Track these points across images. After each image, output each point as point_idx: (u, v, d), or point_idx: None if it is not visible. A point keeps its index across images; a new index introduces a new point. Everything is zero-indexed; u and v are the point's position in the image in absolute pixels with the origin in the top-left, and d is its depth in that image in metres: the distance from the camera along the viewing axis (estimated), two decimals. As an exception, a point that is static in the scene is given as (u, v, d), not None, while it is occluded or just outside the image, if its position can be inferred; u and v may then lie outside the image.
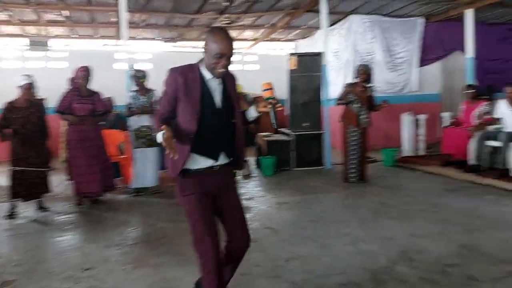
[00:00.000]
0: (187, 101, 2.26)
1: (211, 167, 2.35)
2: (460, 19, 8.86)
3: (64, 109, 5.15)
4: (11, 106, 4.87)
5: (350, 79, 7.57)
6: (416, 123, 8.08)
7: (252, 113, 2.54)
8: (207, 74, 2.30)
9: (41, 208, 5.14)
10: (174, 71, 2.31)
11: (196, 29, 9.51)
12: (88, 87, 5.31)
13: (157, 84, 6.38)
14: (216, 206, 2.39)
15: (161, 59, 10.19)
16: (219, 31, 2.27)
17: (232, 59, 2.27)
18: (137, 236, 4.28)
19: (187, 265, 3.39)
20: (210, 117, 2.30)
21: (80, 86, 5.23)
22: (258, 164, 7.36)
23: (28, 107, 4.91)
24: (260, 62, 11.31)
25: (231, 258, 2.47)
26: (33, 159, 4.88)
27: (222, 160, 2.37)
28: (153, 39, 10.45)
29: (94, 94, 5.36)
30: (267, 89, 2.58)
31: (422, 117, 7.99)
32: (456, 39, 9.57)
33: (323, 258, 3.51)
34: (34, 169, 4.89)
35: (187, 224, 4.45)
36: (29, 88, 4.89)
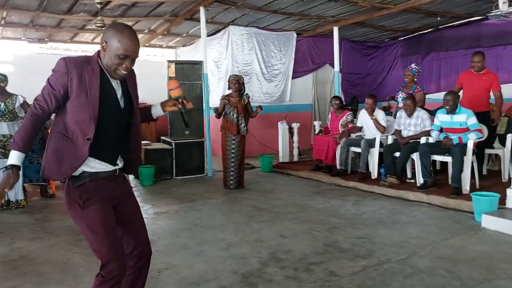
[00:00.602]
0: (84, 99, 1.98)
1: (112, 172, 2.13)
2: (328, 35, 9.74)
3: None
4: None
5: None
6: (291, 131, 8.62)
7: (158, 111, 2.34)
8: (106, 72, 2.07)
9: None
10: (67, 61, 1.99)
11: (67, 30, 8.88)
12: None
13: (21, 87, 5.86)
14: (116, 215, 2.17)
15: (26, 61, 9.29)
16: (126, 29, 2.02)
17: (135, 61, 2.07)
18: (-9, 258, 3.83)
19: (47, 285, 3.14)
20: (110, 117, 2.06)
21: None
22: (136, 174, 7.11)
23: None
24: (140, 69, 10.84)
25: (135, 270, 2.25)
26: None
27: (120, 163, 2.18)
28: (18, 39, 9.46)
29: None
30: (175, 88, 2.34)
31: (295, 125, 8.55)
32: (325, 53, 10.52)
33: (196, 265, 3.54)
34: None
35: (54, 241, 4.16)
36: None
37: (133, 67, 2.14)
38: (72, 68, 1.98)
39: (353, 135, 7.03)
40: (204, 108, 7.52)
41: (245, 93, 6.37)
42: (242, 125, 6.22)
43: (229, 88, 6.35)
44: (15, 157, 1.96)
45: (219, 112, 6.31)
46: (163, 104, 2.34)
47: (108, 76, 2.07)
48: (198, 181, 7.12)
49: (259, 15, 8.52)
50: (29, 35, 9.25)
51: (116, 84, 2.12)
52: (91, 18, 7.92)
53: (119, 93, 2.13)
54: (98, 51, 2.09)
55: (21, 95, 5.50)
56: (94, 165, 2.07)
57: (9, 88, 5.53)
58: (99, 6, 6.73)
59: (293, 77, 10.16)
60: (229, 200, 5.81)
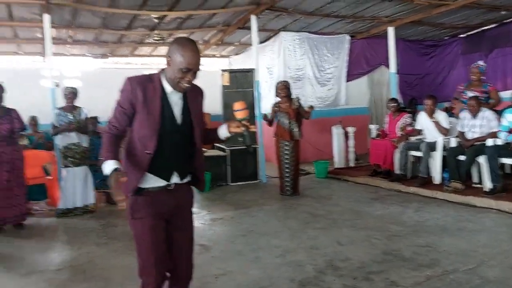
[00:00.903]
0: (146, 115, 2.07)
1: (166, 186, 2.17)
2: (383, 36, 9.47)
3: None
4: None
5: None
6: (346, 135, 8.44)
7: (224, 132, 2.32)
8: (168, 87, 2.12)
9: None
10: (131, 81, 2.09)
11: (127, 45, 9.35)
12: (1, 105, 5.02)
13: (86, 101, 6.23)
14: (167, 229, 2.23)
15: (91, 76, 9.89)
16: (187, 43, 2.07)
17: (197, 74, 2.10)
18: (62, 261, 4.07)
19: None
20: (168, 133, 2.12)
21: None
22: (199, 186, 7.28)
23: None
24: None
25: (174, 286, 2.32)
26: None
27: (175, 180, 2.18)
28: (83, 55, 10.12)
29: (10, 111, 5.07)
30: (241, 109, 2.29)
31: (351, 129, 8.36)
32: (380, 54, 10.22)
33: (251, 271, 3.55)
34: None
35: (117, 246, 4.35)
36: None
37: (200, 86, 2.22)
38: (136, 86, 2.07)
39: (412, 138, 6.75)
40: (256, 115, 7.58)
41: (295, 97, 6.33)
42: (295, 129, 6.19)
43: (276, 95, 6.35)
44: (110, 164, 2.05)
45: (269, 120, 6.33)
46: (228, 126, 2.31)
47: (169, 92, 2.13)
48: (253, 188, 7.16)
49: (311, 19, 8.47)
50: (93, 51, 9.85)
51: (177, 100, 2.16)
52: (149, 33, 8.29)
53: (178, 109, 2.16)
54: (161, 70, 2.16)
55: (85, 109, 5.84)
56: (149, 180, 2.13)
57: (79, 101, 5.90)
58: (156, 20, 7.03)
59: (347, 80, 9.97)
60: (284, 206, 5.79)
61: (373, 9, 8.01)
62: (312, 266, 3.60)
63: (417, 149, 6.36)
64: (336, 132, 8.38)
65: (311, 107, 6.32)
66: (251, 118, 7.45)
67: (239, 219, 5.24)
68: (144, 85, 2.09)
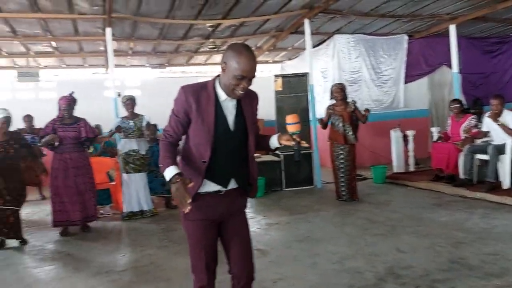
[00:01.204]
0: (200, 123, 2.09)
1: (218, 191, 2.19)
2: (443, 34, 9.06)
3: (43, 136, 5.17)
4: None
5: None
6: (405, 139, 8.14)
7: (275, 142, 2.29)
8: (222, 94, 2.11)
9: (22, 242, 4.97)
10: (185, 89, 2.10)
11: (183, 55, 9.66)
12: (72, 114, 5.34)
13: (146, 109, 6.49)
14: (221, 232, 2.26)
15: (149, 85, 10.31)
16: (242, 50, 2.03)
17: (253, 80, 2.07)
18: (126, 263, 4.25)
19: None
20: (223, 140, 2.12)
21: (63, 114, 5.27)
22: (250, 193, 7.35)
23: (6, 141, 4.83)
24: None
25: None
26: (6, 197, 4.77)
27: (232, 185, 2.20)
28: (142, 66, 10.58)
29: (79, 121, 5.39)
30: (294, 123, 2.24)
31: (410, 132, 8.05)
32: (441, 54, 9.77)
33: (309, 277, 3.50)
34: (6, 207, 4.78)
35: (177, 248, 4.46)
36: (4, 123, 4.82)
37: (254, 91, 2.20)
38: (189, 95, 2.08)
39: (478, 141, 6.36)
40: (310, 119, 7.51)
41: (351, 100, 6.21)
42: (350, 133, 6.05)
43: (331, 98, 6.25)
44: (171, 170, 2.02)
45: (324, 123, 6.25)
46: (279, 137, 2.28)
47: (223, 100, 2.12)
48: (308, 193, 7.09)
49: (366, 20, 8.30)
50: (152, 62, 10.28)
51: (231, 107, 2.15)
52: (204, 41, 8.51)
53: (232, 115, 2.16)
54: (215, 77, 2.16)
55: (146, 116, 6.10)
56: (204, 185, 2.15)
57: (136, 109, 6.16)
58: (210, 29, 7.20)
59: (405, 82, 9.62)
60: (341, 212, 5.66)
61: (432, 7, 7.70)
62: (371, 273, 3.49)
63: (484, 152, 5.99)
64: (395, 135, 8.11)
65: (367, 110, 6.16)
66: (306, 122, 7.42)
67: (295, 225, 5.20)
68: (198, 93, 2.10)
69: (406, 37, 9.47)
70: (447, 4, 7.56)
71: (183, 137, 2.24)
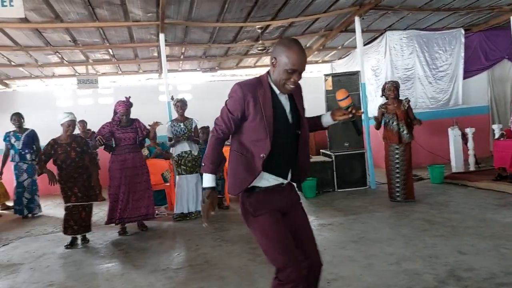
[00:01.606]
0: (259, 119, 2.08)
1: (280, 184, 2.20)
2: (504, 27, 8.56)
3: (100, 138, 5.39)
4: (54, 142, 5.07)
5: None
6: (464, 137, 7.76)
7: (328, 120, 2.35)
8: (276, 89, 2.14)
9: (84, 240, 5.25)
10: (241, 87, 2.11)
11: (233, 58, 9.79)
12: (129, 117, 5.56)
13: (197, 112, 6.63)
14: (288, 227, 2.22)
15: (200, 89, 10.53)
16: (293, 44, 2.06)
17: (303, 74, 2.11)
18: (181, 261, 4.36)
19: (228, 287, 3.43)
20: (282, 134, 2.13)
21: (121, 119, 5.50)
22: (299, 186, 7.31)
23: (69, 143, 5.09)
24: (298, 85, 11.33)
25: (309, 280, 2.22)
26: (77, 193, 5.06)
27: (290, 178, 2.23)
28: (194, 70, 10.85)
29: (134, 121, 5.61)
30: (344, 98, 2.29)
31: (469, 130, 7.67)
32: (501, 47, 9.25)
33: (365, 278, 3.42)
34: (79, 203, 5.07)
35: (231, 248, 4.52)
36: (69, 125, 5.07)
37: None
38: (247, 92, 2.09)
39: (545, 138, 5.96)
40: (363, 119, 7.35)
41: (405, 98, 6.01)
42: (404, 132, 5.85)
43: (383, 95, 6.08)
44: (210, 179, 2.15)
45: (378, 122, 6.08)
46: (333, 114, 2.32)
47: (277, 94, 2.15)
48: (361, 194, 6.93)
49: (419, 15, 8.01)
50: (203, 66, 10.52)
51: (284, 100, 2.18)
52: (253, 43, 8.58)
53: (287, 108, 2.18)
54: (268, 71, 2.18)
55: (195, 119, 6.23)
56: (267, 179, 2.16)
57: (187, 113, 6.30)
58: (259, 31, 7.25)
59: (464, 78, 9.16)
60: (396, 213, 5.48)
61: (491, -2, 7.30)
62: (431, 275, 3.35)
63: (553, 149, 5.59)
64: (453, 133, 7.76)
65: (419, 122, 5.91)
66: (358, 121, 7.26)
67: (348, 225, 5.10)
68: (254, 90, 2.11)
69: (462, 31, 9.03)
70: (507, -6, 7.14)
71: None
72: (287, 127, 2.18)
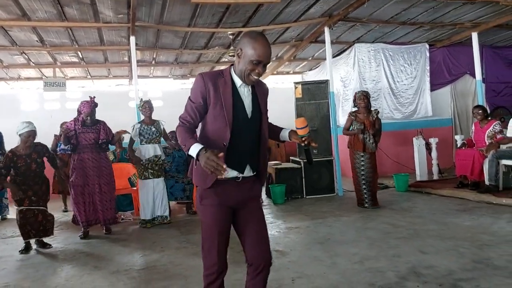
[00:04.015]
0: (219, 108, 2.13)
1: (234, 179, 2.20)
2: (466, 43, 8.95)
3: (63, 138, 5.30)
4: (13, 154, 4.85)
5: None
6: (428, 147, 8.00)
7: (285, 136, 2.42)
8: (238, 80, 2.18)
9: (44, 244, 5.05)
10: (203, 77, 2.16)
11: (205, 65, 9.81)
12: (94, 117, 5.47)
13: (168, 120, 6.44)
14: (236, 220, 2.27)
15: (171, 97, 10.47)
16: (259, 37, 2.12)
17: (267, 67, 2.16)
18: (145, 262, 4.27)
19: (191, 286, 3.39)
20: (240, 125, 2.16)
21: (85, 119, 5.40)
22: (268, 192, 7.34)
23: (29, 154, 4.90)
24: (269, 96, 11.42)
25: (253, 276, 2.28)
26: (31, 197, 4.88)
27: (247, 172, 2.23)
28: (165, 77, 10.79)
29: (98, 123, 5.52)
30: (303, 127, 2.33)
31: (433, 140, 7.92)
32: (463, 63, 9.66)
33: (330, 276, 3.45)
34: (32, 207, 4.89)
35: (196, 249, 4.45)
36: (29, 135, 4.86)
37: (263, 81, 2.24)
38: (208, 81, 2.14)
39: (503, 147, 6.22)
40: (331, 127, 7.47)
41: (374, 109, 6.16)
42: (370, 141, 5.98)
43: (354, 105, 6.22)
44: (196, 146, 2.01)
45: (346, 128, 6.20)
46: (290, 134, 2.38)
47: (238, 86, 2.19)
48: (329, 200, 7.00)
49: (386, 29, 8.28)
50: (174, 72, 10.47)
51: (246, 93, 2.21)
52: (225, 50, 8.64)
53: (248, 102, 2.21)
54: (230, 65, 2.25)
55: (162, 121, 6.07)
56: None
57: (157, 118, 6.18)
58: (231, 37, 7.31)
59: (431, 90, 9.49)
60: (363, 217, 5.57)
61: (453, 14, 7.63)
62: (393, 272, 3.42)
63: (510, 158, 5.84)
64: (417, 143, 7.99)
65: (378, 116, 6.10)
66: (327, 129, 7.39)
67: (315, 228, 5.15)
68: (215, 79, 2.15)
69: (427, 46, 9.41)
70: (468, 11, 7.48)
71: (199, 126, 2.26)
72: (246, 120, 2.20)
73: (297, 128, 2.33)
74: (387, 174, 8.36)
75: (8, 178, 4.94)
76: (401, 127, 9.14)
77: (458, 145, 7.41)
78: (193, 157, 2.06)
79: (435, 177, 7.93)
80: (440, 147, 8.11)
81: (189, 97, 2.20)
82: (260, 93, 2.29)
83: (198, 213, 2.29)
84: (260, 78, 2.23)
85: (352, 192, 6.81)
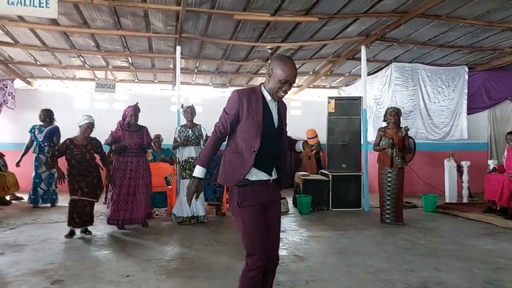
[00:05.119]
0: (251, 120, 2.48)
1: (266, 181, 2.56)
2: (507, 68, 8.88)
3: (113, 141, 5.80)
4: (70, 142, 5.37)
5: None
6: (459, 169, 8.00)
7: (299, 147, 2.75)
8: (267, 96, 2.54)
9: (86, 232, 5.53)
10: (238, 93, 2.52)
11: (243, 76, 10.23)
12: (137, 122, 5.93)
13: (206, 125, 6.84)
14: None
15: (210, 104, 10.94)
16: (287, 60, 2.51)
17: (292, 86, 2.53)
18: (174, 254, 4.64)
19: (214, 279, 3.73)
20: (269, 135, 2.52)
21: (129, 122, 5.87)
22: (295, 202, 7.60)
23: (85, 145, 5.41)
24: (303, 108, 11.84)
25: (264, 271, 2.52)
26: (83, 188, 5.36)
27: (274, 175, 2.59)
28: (206, 84, 11.30)
29: (142, 128, 5.98)
30: (312, 137, 2.67)
31: (465, 163, 7.92)
32: (505, 88, 9.56)
33: (343, 282, 3.67)
34: (84, 198, 5.38)
35: (222, 248, 4.80)
36: (88, 127, 5.40)
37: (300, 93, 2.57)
38: (242, 96, 2.51)
39: (534, 174, 6.20)
40: (362, 143, 7.65)
41: (404, 126, 6.32)
42: (397, 157, 6.13)
43: (384, 120, 6.39)
44: (199, 171, 2.55)
45: (376, 144, 6.37)
46: (303, 145, 2.73)
47: (268, 101, 2.56)
48: (354, 214, 7.17)
49: (424, 50, 8.39)
50: (215, 81, 10.97)
51: (273, 107, 2.59)
52: (263, 63, 9.02)
53: (275, 115, 2.59)
54: (260, 84, 2.61)
55: (204, 126, 6.50)
56: (255, 174, 2.52)
57: (195, 120, 6.63)
58: (270, 51, 7.67)
59: (467, 113, 9.46)
60: (384, 233, 5.73)
61: (493, 39, 7.66)
62: (404, 285, 3.60)
63: (540, 186, 5.82)
64: (448, 165, 8.01)
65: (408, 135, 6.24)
66: (357, 145, 7.58)
67: (335, 239, 5.36)
68: (249, 95, 2.53)
69: (466, 69, 9.39)
70: (508, 37, 7.49)
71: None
72: (273, 130, 2.57)
73: (307, 138, 2.67)
74: (416, 194, 8.41)
75: (66, 173, 5.39)
76: (434, 148, 9.17)
77: (489, 170, 7.39)
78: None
79: (465, 200, 7.92)
80: (473, 171, 8.09)
81: (224, 109, 2.58)
82: (282, 108, 2.68)
83: (236, 216, 2.57)
84: (297, 90, 2.62)
85: (378, 209, 6.94)
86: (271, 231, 2.59)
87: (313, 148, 2.66)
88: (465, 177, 7.96)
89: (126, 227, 5.90)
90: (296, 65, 8.30)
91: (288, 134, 2.78)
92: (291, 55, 8.48)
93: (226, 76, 10.29)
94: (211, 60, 8.95)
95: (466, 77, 9.42)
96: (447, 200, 7.95)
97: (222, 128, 2.55)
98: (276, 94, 2.51)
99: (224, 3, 6.05)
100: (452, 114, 9.42)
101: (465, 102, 9.41)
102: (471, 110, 9.54)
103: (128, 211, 5.82)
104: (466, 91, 9.42)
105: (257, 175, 2.53)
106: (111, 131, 5.92)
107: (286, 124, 2.71)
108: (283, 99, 2.63)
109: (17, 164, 7.69)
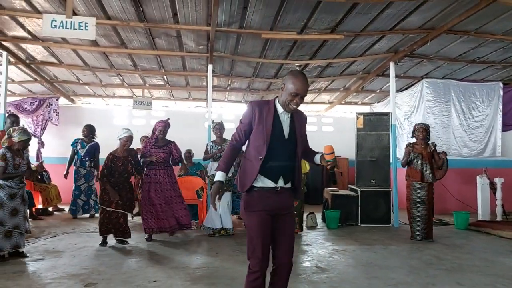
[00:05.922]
0: (261, 129, 2.64)
1: (274, 188, 2.67)
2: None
3: (141, 156, 6.11)
4: (113, 157, 5.69)
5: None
6: (493, 186, 7.81)
7: (317, 159, 2.85)
8: (279, 108, 2.70)
9: (122, 241, 5.79)
10: (252, 104, 2.72)
11: (274, 92, 10.46)
12: (165, 137, 6.21)
13: None
14: (273, 227, 2.68)
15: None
16: (298, 74, 2.67)
17: (304, 99, 2.67)
18: (200, 263, 4.83)
19: (235, 286, 3.89)
20: (277, 144, 2.65)
21: (158, 136, 6.17)
22: (324, 217, 7.64)
23: (126, 156, 5.74)
24: (335, 124, 11.94)
25: (277, 275, 2.71)
26: (118, 201, 5.62)
27: (281, 183, 2.68)
28: (238, 101, 11.61)
29: (169, 143, 6.25)
30: (330, 153, 2.74)
31: (498, 180, 7.72)
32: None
33: (360, 292, 3.73)
34: (119, 210, 5.66)
35: (245, 258, 4.94)
36: (127, 140, 5.73)
37: (304, 112, 2.81)
38: (255, 107, 2.71)
39: None
40: (391, 159, 7.63)
41: (431, 142, 6.29)
42: (427, 172, 6.10)
43: (413, 136, 6.38)
44: (220, 175, 2.74)
45: (404, 160, 6.35)
46: (320, 158, 2.83)
47: (280, 113, 2.71)
48: (383, 230, 7.12)
49: (456, 66, 8.33)
50: (247, 98, 11.25)
51: (285, 119, 2.73)
52: (293, 80, 9.19)
53: (285, 126, 2.73)
54: (275, 97, 2.79)
55: None
56: (261, 180, 2.67)
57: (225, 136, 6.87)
58: (298, 68, 7.86)
59: (502, 130, 9.24)
60: (411, 248, 5.69)
61: (527, 54, 7.53)
62: (423, 297, 3.61)
63: None
64: (481, 182, 7.83)
65: (444, 153, 6.18)
66: (386, 161, 7.57)
67: (360, 253, 5.39)
68: (261, 107, 2.71)
69: (501, 85, 9.21)
70: (543, 52, 7.35)
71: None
72: (282, 140, 2.70)
73: (324, 154, 2.78)
74: (448, 211, 8.24)
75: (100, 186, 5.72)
76: (467, 165, 8.98)
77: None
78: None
79: (499, 218, 7.69)
80: (507, 189, 7.86)
81: (240, 120, 2.78)
82: (297, 120, 2.80)
83: (244, 220, 2.77)
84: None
85: (408, 225, 6.87)
86: (281, 237, 2.70)
87: (328, 163, 2.75)
88: (498, 194, 7.75)
89: (156, 238, 6.16)
90: (326, 82, 8.47)
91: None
92: (320, 72, 8.64)
93: (257, 93, 10.56)
94: (242, 77, 9.25)
95: (501, 93, 9.24)
96: (479, 218, 7.75)
97: (238, 137, 2.76)
98: (288, 106, 2.65)
99: (252, 23, 6.33)
100: (486, 130, 9.22)
101: (500, 118, 9.21)
102: (506, 126, 9.33)
103: (164, 219, 6.04)
104: (501, 107, 9.23)
105: (263, 181, 2.66)
106: (141, 147, 6.24)
107: (302, 135, 2.82)
108: (301, 110, 2.78)
109: (65, 176, 8.16)
